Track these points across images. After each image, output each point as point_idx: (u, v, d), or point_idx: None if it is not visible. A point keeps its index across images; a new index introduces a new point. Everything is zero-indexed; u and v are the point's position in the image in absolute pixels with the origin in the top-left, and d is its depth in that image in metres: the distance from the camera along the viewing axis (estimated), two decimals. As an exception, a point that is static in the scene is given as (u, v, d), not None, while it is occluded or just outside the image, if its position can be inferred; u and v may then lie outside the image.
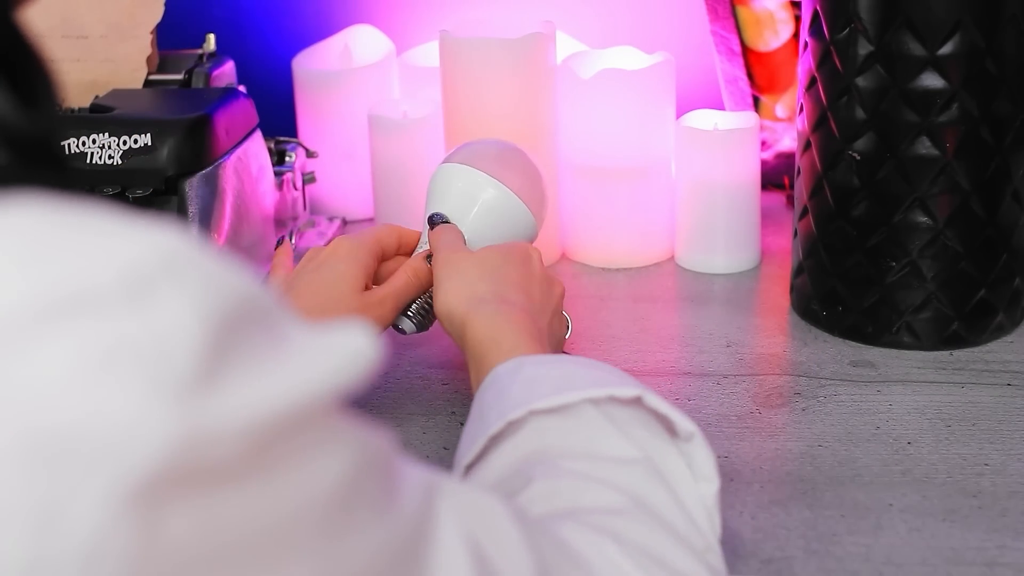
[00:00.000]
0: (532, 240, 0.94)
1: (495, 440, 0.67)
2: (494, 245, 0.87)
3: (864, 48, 0.95)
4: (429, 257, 0.89)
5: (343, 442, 0.43)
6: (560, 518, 0.60)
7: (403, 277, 0.88)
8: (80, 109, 1.07)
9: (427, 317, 0.90)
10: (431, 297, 0.88)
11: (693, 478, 0.66)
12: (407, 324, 0.90)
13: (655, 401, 0.66)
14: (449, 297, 0.82)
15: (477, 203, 0.92)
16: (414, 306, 0.90)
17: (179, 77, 1.14)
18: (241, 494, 0.38)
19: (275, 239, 1.12)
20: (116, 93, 1.08)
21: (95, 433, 0.34)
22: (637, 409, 0.67)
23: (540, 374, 0.70)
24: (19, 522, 0.33)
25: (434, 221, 0.92)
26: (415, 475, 0.49)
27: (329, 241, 0.93)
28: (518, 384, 0.69)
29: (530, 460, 0.64)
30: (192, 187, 1.00)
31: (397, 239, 0.92)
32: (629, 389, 0.66)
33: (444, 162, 0.95)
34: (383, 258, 0.90)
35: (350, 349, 0.41)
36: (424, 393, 0.95)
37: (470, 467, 0.68)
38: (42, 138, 0.42)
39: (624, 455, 0.64)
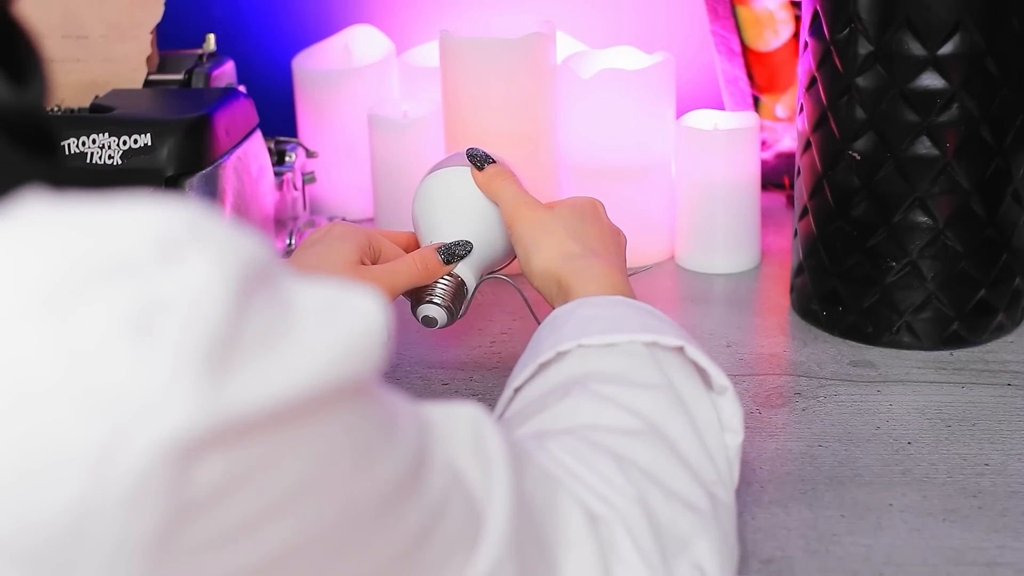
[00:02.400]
0: None
1: (544, 366, 0.72)
2: (564, 203, 0.87)
3: (864, 48, 0.95)
4: (440, 250, 0.86)
5: (355, 412, 0.47)
6: (563, 433, 0.64)
7: (408, 262, 0.85)
8: (80, 109, 1.07)
9: (457, 304, 0.86)
10: (455, 285, 0.86)
11: (720, 427, 0.71)
12: (438, 312, 0.85)
13: (695, 353, 0.72)
14: (546, 254, 0.84)
15: (470, 199, 0.89)
16: (440, 291, 0.86)
17: (179, 77, 1.14)
18: (267, 449, 0.43)
19: (275, 239, 1.12)
20: (116, 93, 1.08)
21: (136, 394, 0.39)
22: (679, 357, 0.72)
23: (595, 315, 0.74)
24: (81, 460, 0.39)
25: (476, 156, 0.89)
26: (408, 409, 0.53)
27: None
28: (572, 322, 0.74)
29: (570, 381, 0.69)
30: (192, 187, 1.00)
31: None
32: (673, 339, 0.72)
33: (428, 174, 0.92)
34: (377, 250, 0.88)
35: (360, 329, 0.45)
36: (424, 393, 0.95)
37: (519, 390, 0.72)
38: (29, 113, 0.44)
39: (653, 381, 0.69)
